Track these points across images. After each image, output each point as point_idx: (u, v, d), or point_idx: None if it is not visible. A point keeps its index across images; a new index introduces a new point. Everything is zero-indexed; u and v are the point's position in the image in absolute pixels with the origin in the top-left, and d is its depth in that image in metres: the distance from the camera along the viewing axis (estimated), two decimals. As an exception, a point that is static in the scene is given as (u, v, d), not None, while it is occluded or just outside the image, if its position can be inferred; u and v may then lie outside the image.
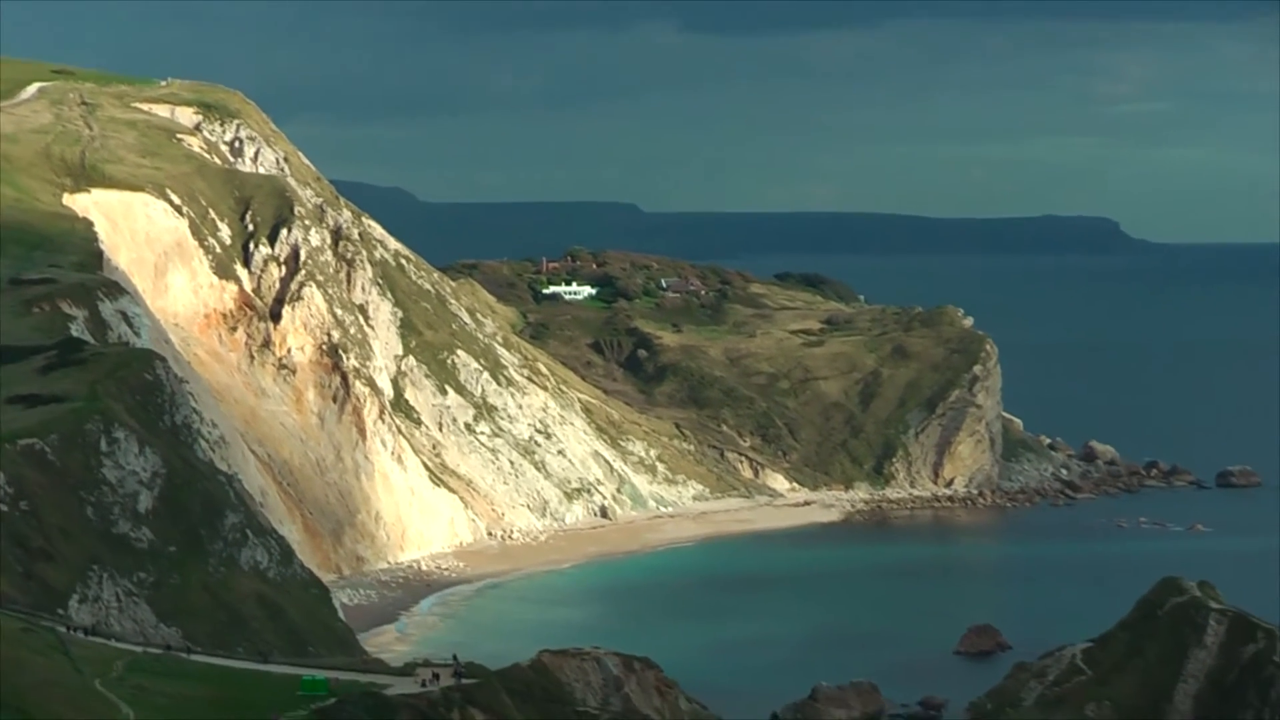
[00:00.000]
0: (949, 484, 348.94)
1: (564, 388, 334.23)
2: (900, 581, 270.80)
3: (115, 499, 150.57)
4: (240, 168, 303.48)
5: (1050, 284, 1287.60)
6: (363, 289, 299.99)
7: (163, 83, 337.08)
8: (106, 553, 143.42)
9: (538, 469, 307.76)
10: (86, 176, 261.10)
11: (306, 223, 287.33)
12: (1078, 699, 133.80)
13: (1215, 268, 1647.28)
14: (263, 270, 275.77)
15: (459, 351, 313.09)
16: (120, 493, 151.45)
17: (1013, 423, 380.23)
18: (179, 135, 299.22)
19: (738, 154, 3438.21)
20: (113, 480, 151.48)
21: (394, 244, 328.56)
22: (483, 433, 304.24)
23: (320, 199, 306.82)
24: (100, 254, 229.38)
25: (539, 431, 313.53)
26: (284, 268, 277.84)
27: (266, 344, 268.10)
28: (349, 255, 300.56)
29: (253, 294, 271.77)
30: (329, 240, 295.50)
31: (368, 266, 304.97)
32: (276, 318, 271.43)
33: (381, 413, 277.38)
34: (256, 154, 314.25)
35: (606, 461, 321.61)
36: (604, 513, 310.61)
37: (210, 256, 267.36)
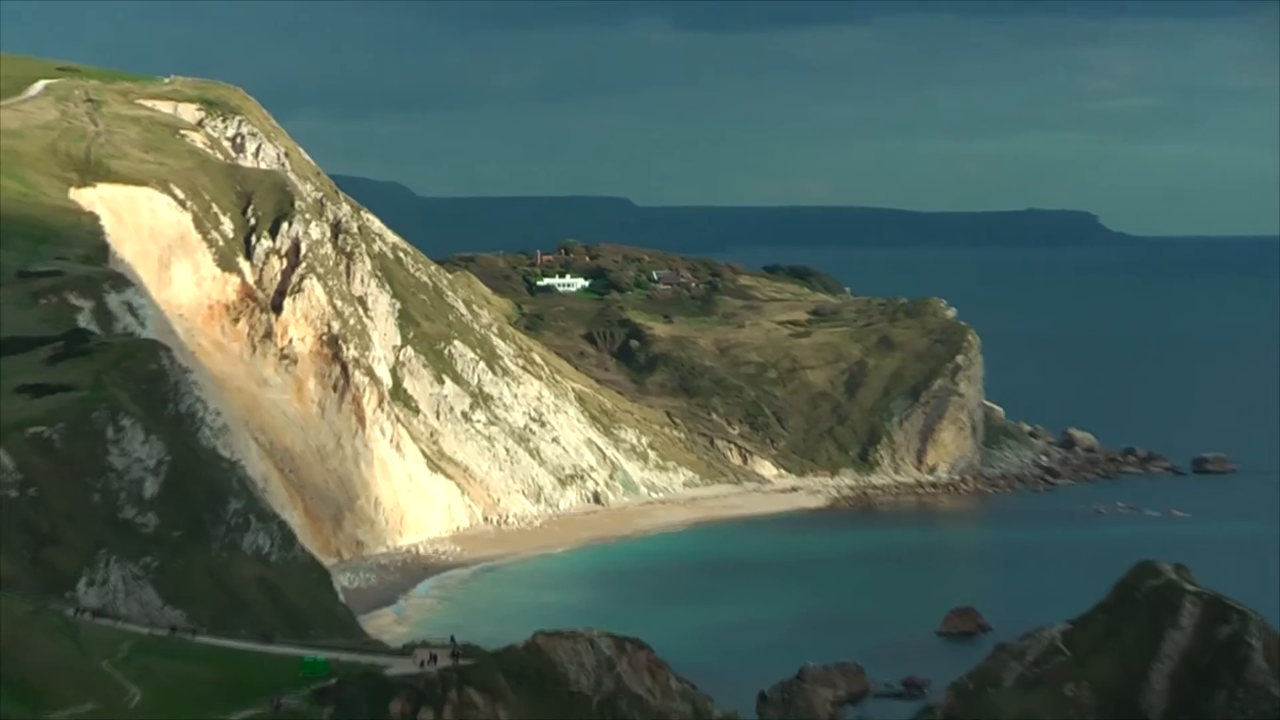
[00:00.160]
0: (932, 470, 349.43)
1: (558, 377, 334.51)
2: (884, 565, 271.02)
3: (121, 485, 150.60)
4: (242, 163, 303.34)
5: (1031, 276, 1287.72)
6: (362, 281, 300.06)
7: (166, 80, 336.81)
8: (113, 537, 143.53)
9: (532, 456, 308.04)
10: (92, 171, 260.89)
11: (307, 217, 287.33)
12: (1057, 679, 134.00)
13: (1193, 261, 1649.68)
14: (264, 263, 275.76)
15: (456, 342, 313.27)
16: (126, 479, 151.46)
17: (994, 411, 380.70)
18: (182, 131, 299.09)
19: (729, 149, 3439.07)
20: (119, 467, 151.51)
21: (392, 237, 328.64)
22: (479, 421, 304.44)
23: (320, 194, 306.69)
24: (106, 247, 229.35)
25: (534, 420, 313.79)
26: (285, 260, 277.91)
27: (268, 335, 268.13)
28: (348, 248, 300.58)
29: (254, 286, 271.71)
30: (329, 234, 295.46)
31: (367, 259, 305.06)
32: (278, 309, 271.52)
33: (380, 401, 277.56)
34: (258, 150, 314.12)
35: (599, 449, 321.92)
36: (597, 498, 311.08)
37: (213, 249, 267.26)
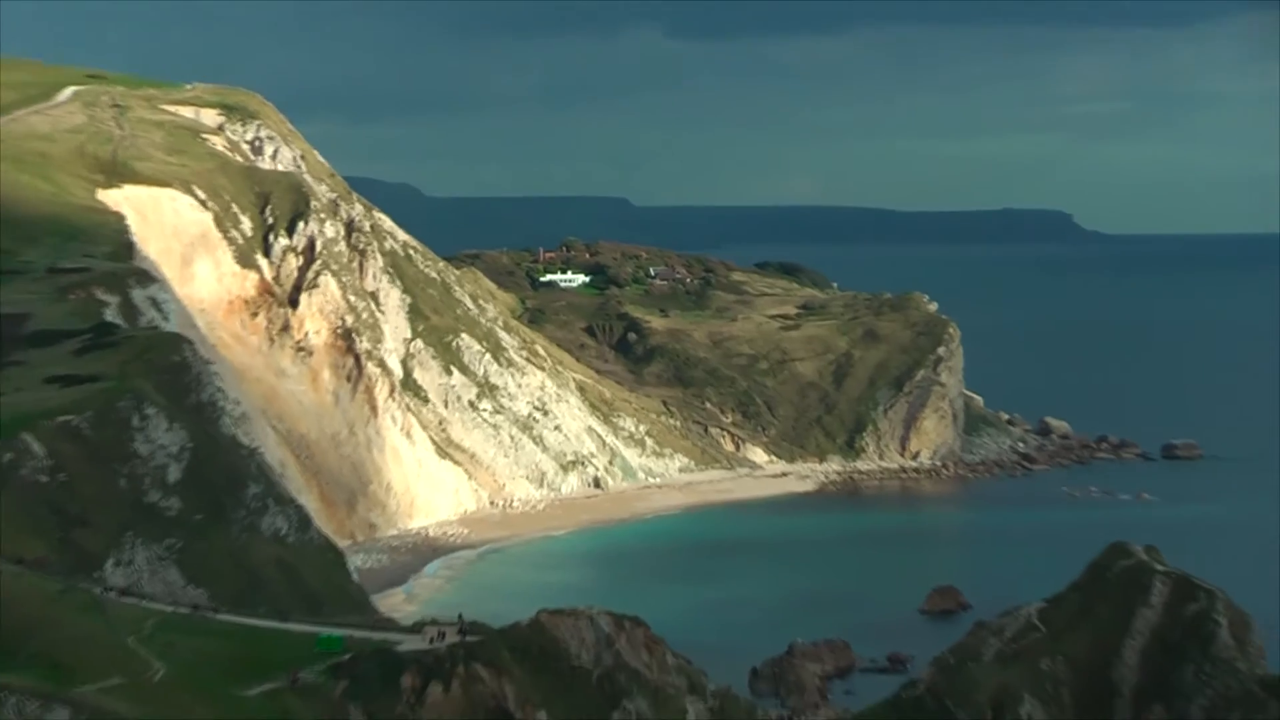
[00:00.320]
0: (915, 456, 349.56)
1: (560, 368, 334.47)
2: (869, 547, 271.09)
3: (146, 471, 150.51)
4: (260, 165, 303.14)
5: (1009, 272, 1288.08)
6: (374, 277, 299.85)
7: (188, 86, 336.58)
8: (138, 520, 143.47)
9: (536, 443, 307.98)
10: (118, 173, 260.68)
11: (322, 216, 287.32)
12: (1033, 654, 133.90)
13: (1163, 257, 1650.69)
14: (281, 260, 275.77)
15: (463, 335, 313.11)
16: (150, 465, 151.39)
17: (974, 400, 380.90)
18: (203, 135, 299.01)
19: (721, 151, 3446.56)
20: (143, 454, 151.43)
21: (402, 235, 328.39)
22: (485, 410, 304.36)
23: (334, 194, 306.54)
24: (131, 245, 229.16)
25: (537, 408, 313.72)
26: (301, 258, 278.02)
27: (285, 328, 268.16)
28: (361, 246, 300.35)
29: (272, 282, 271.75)
30: (342, 232, 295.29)
31: (378, 256, 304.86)
32: (294, 304, 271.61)
33: (391, 391, 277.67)
34: (275, 152, 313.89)
35: (599, 436, 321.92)
36: (597, 483, 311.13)
37: (233, 247, 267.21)
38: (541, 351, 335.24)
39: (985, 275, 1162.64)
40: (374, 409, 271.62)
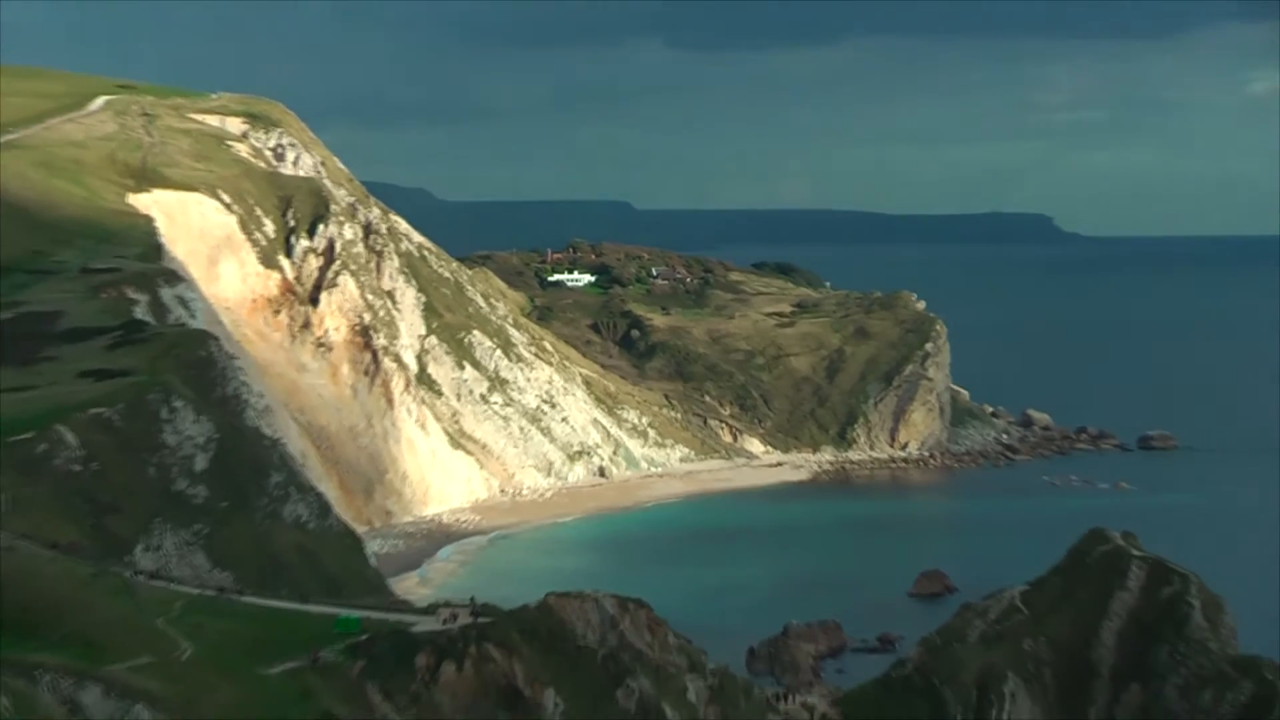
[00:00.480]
0: (904, 447, 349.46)
1: (566, 363, 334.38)
2: (861, 533, 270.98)
3: (174, 460, 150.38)
4: (282, 170, 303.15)
5: (993, 272, 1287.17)
6: (390, 277, 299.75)
7: (214, 96, 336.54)
8: (166, 507, 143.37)
9: (544, 434, 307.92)
10: (147, 178, 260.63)
11: (341, 219, 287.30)
12: (1016, 635, 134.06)
13: (1138, 258, 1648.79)
14: (303, 261, 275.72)
15: (475, 331, 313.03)
16: (178, 455, 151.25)
17: (960, 393, 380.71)
18: (228, 142, 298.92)
19: (718, 157, 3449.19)
20: (171, 444, 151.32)
21: (417, 237, 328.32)
22: (495, 402, 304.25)
23: (353, 198, 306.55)
24: (159, 246, 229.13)
25: (545, 401, 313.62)
26: (321, 258, 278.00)
27: (306, 325, 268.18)
28: (378, 247, 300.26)
29: (294, 281, 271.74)
30: (360, 234, 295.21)
31: (394, 257, 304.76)
32: (315, 302, 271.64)
33: (407, 385, 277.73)
34: (296, 158, 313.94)
35: (604, 428, 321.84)
36: (602, 472, 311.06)
37: (256, 248, 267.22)
38: (549, 347, 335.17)
39: (971, 275, 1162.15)
40: (390, 402, 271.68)
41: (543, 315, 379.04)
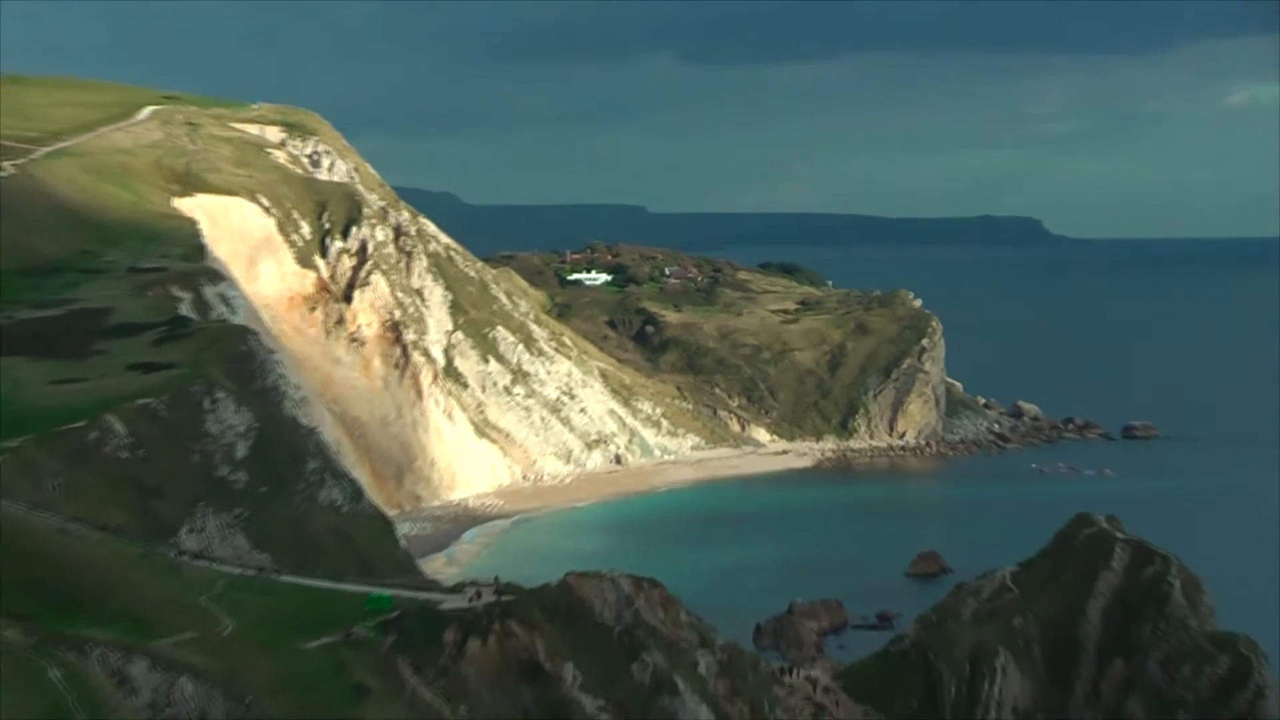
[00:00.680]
0: (902, 436, 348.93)
1: (585, 357, 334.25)
2: (861, 516, 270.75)
3: (216, 448, 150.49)
4: (318, 176, 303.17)
5: (985, 272, 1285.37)
6: (419, 276, 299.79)
7: (254, 106, 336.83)
8: (209, 492, 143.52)
9: (563, 424, 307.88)
10: (191, 183, 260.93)
11: (373, 222, 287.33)
12: (1007, 613, 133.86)
13: (1121, 259, 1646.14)
14: (337, 261, 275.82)
15: (498, 327, 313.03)
16: (220, 443, 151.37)
17: (954, 386, 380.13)
18: (267, 149, 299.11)
19: (727, 163, 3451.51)
20: (214, 432, 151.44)
21: (444, 239, 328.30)
22: (518, 394, 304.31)
23: (384, 202, 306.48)
24: (203, 247, 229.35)
25: (564, 393, 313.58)
26: (354, 258, 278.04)
27: (340, 321, 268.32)
28: (408, 248, 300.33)
29: (329, 280, 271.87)
30: (391, 236, 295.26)
31: (423, 257, 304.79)
32: (348, 299, 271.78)
33: (435, 377, 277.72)
34: (331, 165, 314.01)
35: (620, 418, 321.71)
36: (618, 460, 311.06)
37: (294, 249, 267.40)
38: (568, 342, 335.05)
39: (964, 275, 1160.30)
40: (419, 393, 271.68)
41: (562, 312, 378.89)
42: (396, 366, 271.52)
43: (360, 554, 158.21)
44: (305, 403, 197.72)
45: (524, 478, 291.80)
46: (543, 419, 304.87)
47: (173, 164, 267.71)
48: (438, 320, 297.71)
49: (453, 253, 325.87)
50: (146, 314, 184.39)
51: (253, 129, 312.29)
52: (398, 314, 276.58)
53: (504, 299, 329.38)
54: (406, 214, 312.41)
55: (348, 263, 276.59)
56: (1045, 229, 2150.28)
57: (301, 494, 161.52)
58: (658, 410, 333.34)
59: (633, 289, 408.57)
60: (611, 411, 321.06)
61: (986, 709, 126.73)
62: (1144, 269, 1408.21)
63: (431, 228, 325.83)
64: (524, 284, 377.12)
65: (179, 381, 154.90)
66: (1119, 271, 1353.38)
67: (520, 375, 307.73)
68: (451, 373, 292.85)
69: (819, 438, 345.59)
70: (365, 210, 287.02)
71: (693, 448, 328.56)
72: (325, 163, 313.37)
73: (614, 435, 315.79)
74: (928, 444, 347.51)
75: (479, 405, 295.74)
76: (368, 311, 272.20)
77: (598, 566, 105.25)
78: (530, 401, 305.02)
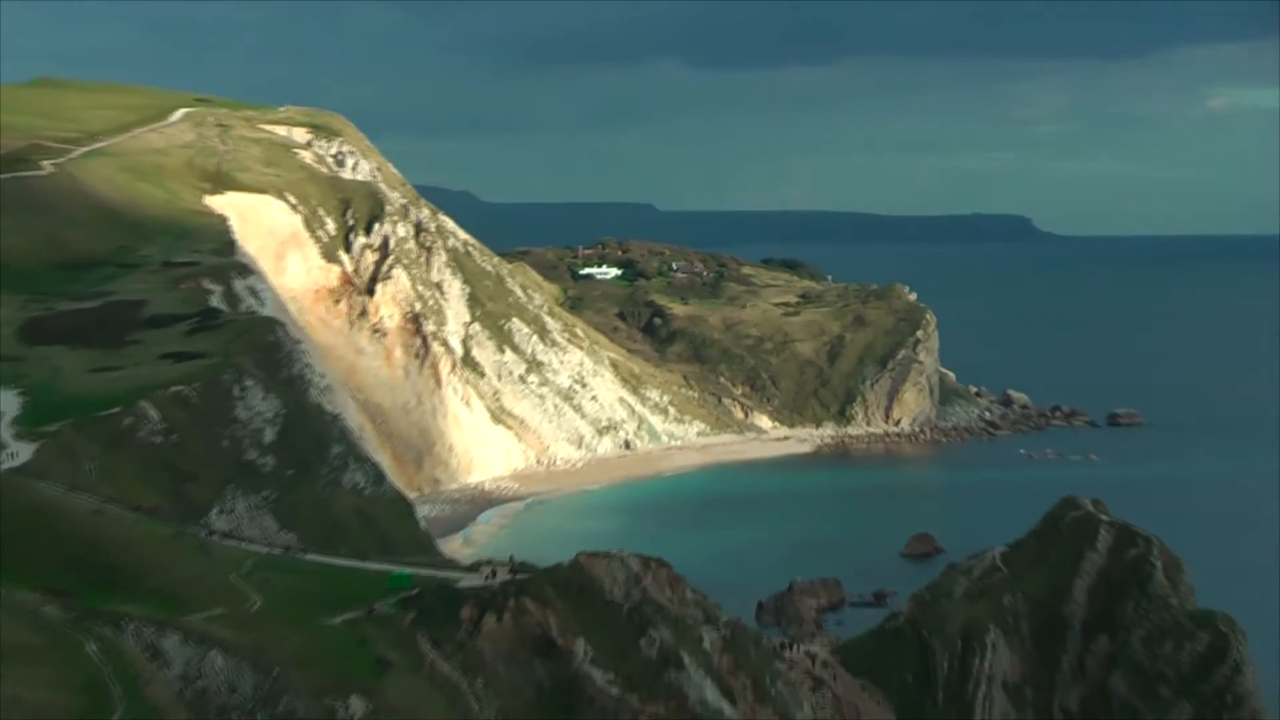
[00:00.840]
0: (897, 423, 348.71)
1: (596, 347, 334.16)
2: (858, 499, 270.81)
3: (245, 433, 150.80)
4: (342, 175, 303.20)
5: (977, 268, 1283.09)
6: (438, 270, 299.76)
7: (281, 109, 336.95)
8: (239, 475, 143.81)
9: (575, 411, 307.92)
10: (222, 182, 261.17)
11: (394, 218, 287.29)
12: (997, 592, 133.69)
13: (1107, 255, 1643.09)
14: (360, 256, 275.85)
15: (514, 319, 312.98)
16: (249, 428, 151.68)
17: (947, 375, 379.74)
18: (294, 150, 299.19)
19: (732, 163, 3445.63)
20: (243, 418, 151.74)
21: (463, 235, 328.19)
22: (532, 382, 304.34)
23: (405, 200, 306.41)
24: (233, 242, 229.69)
25: (577, 381, 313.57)
26: (377, 254, 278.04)
27: (363, 313, 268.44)
28: (427, 244, 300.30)
29: (352, 274, 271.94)
30: (412, 232, 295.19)
31: (442, 253, 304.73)
32: (371, 293, 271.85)
33: (453, 367, 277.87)
34: (355, 165, 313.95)
35: (629, 405, 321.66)
36: (627, 445, 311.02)
37: (319, 245, 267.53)
38: (580, 333, 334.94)
39: (958, 270, 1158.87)
40: (438, 382, 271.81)
41: (574, 305, 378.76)
42: (417, 356, 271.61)
43: (382, 534, 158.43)
44: (330, 390, 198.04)
45: (538, 462, 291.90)
46: (556, 406, 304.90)
47: (204, 164, 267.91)
48: (456, 312, 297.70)
49: (470, 248, 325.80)
50: (179, 306, 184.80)
51: (280, 130, 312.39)
52: (418, 306, 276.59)
53: (519, 292, 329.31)
54: (426, 211, 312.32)
55: (370, 258, 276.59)
56: (1035, 226, 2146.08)
57: (326, 477, 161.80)
58: (665, 398, 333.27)
59: (642, 283, 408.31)
60: (621, 399, 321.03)
61: (977, 683, 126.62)
62: (1128, 264, 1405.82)
63: (450, 224, 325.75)
64: (538, 278, 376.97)
65: (210, 370, 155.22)
66: (1104, 267, 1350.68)
67: (534, 364, 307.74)
68: (469, 362, 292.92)
69: (818, 425, 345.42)
70: (387, 208, 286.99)
71: (698, 434, 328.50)
72: (349, 162, 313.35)
73: (624, 422, 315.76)
74: (922, 431, 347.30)
75: (495, 393, 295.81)
76: (389, 304, 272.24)
77: (608, 547, 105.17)
78: (544, 389, 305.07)
